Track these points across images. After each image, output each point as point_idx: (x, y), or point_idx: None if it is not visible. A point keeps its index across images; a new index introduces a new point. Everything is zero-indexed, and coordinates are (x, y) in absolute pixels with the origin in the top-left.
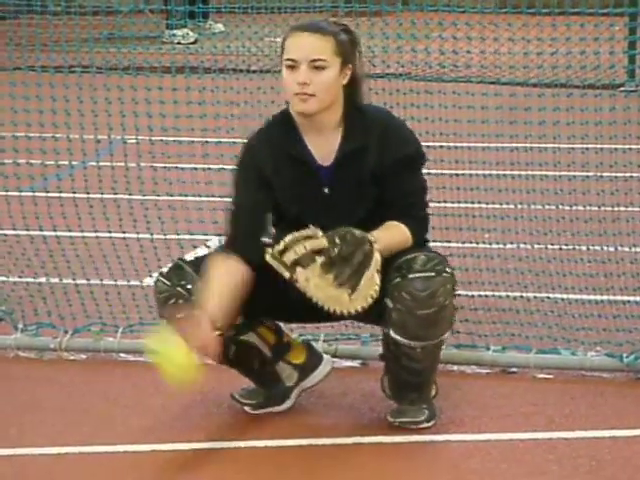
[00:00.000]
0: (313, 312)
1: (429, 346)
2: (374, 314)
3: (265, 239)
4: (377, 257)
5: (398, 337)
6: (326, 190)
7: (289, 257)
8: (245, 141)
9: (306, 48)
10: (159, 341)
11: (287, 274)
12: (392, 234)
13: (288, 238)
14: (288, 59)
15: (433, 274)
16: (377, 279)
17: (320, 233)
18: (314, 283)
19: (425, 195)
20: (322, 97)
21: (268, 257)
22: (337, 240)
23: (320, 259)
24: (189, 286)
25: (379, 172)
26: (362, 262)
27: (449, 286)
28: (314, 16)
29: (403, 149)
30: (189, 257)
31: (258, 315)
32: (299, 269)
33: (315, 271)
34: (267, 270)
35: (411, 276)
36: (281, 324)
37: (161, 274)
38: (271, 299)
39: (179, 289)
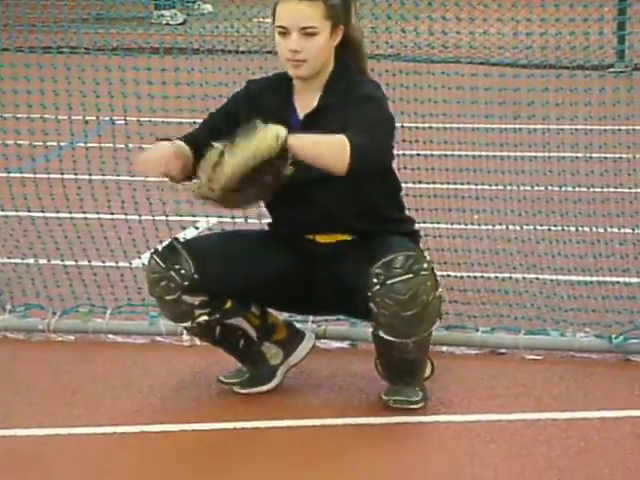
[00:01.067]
0: (307, 304)
1: (420, 339)
2: (363, 313)
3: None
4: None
5: (388, 337)
6: None
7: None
8: (249, 82)
9: (296, 15)
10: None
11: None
12: (322, 135)
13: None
14: (279, 26)
15: (411, 275)
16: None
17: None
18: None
19: (385, 127)
20: (314, 62)
21: (193, 189)
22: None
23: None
24: (183, 271)
25: (343, 121)
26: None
27: (429, 283)
28: None
29: (361, 90)
30: (183, 237)
31: (250, 300)
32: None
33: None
34: (265, 254)
35: (390, 282)
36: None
37: (156, 252)
38: (267, 286)
39: (172, 273)
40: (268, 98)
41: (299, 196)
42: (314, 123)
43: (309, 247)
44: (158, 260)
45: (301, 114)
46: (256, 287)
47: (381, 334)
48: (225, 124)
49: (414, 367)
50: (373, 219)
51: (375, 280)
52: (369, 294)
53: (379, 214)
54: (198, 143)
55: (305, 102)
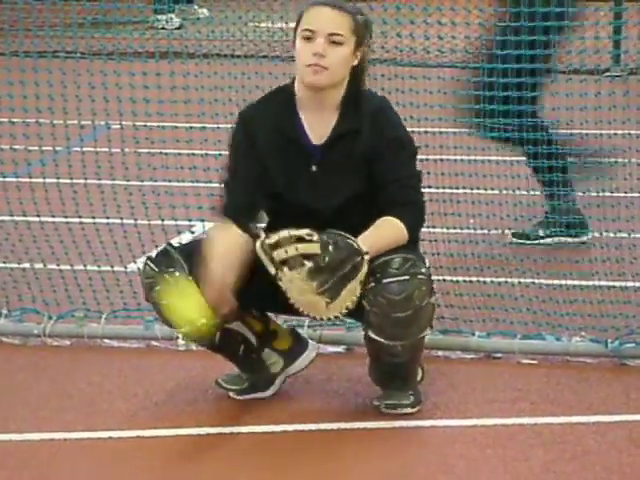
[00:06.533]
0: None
1: (409, 343)
2: (355, 313)
3: (257, 225)
4: (364, 270)
5: (377, 337)
6: (314, 168)
7: (279, 255)
8: (240, 112)
9: (326, 21)
10: (176, 293)
11: (273, 270)
12: (385, 235)
13: (282, 234)
14: (306, 29)
15: (407, 277)
16: (358, 290)
17: (315, 237)
18: (297, 286)
19: (420, 183)
20: (334, 72)
21: (258, 247)
22: (330, 248)
23: (309, 264)
24: (177, 273)
25: (372, 154)
26: (348, 275)
27: (424, 288)
28: (299, 2)
29: (395, 131)
30: (178, 242)
31: (249, 306)
32: (286, 269)
33: (301, 275)
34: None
35: (385, 281)
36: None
37: (149, 258)
38: (264, 289)
39: (166, 276)
40: (271, 114)
41: (312, 222)
42: (336, 151)
43: None
44: (152, 265)
45: (314, 139)
46: (251, 289)
47: (370, 334)
48: (254, 170)
49: (404, 371)
50: None
51: (371, 277)
52: (364, 290)
53: None
54: (252, 212)
55: (316, 125)
